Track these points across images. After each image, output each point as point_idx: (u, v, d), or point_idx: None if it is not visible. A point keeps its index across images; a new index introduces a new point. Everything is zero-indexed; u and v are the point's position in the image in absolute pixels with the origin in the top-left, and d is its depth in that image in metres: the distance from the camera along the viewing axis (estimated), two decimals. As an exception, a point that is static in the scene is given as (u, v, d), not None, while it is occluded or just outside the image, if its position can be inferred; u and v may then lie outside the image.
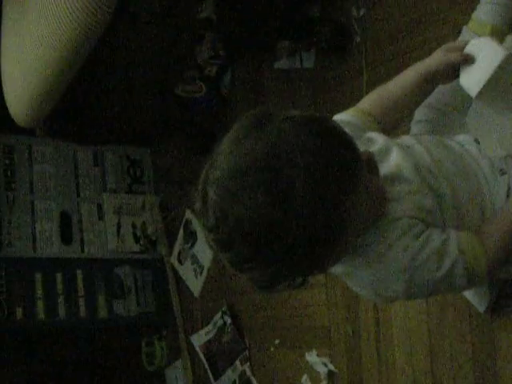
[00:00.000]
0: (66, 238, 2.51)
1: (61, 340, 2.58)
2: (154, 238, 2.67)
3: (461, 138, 1.40)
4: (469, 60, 1.27)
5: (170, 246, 2.67)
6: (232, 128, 1.05)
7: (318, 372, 2.01)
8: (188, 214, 2.55)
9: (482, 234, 1.19)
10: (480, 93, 1.25)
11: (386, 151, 1.24)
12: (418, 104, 1.40)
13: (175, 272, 2.64)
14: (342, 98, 2.02)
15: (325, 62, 2.09)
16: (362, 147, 1.21)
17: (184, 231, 2.58)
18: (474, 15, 1.48)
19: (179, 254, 2.62)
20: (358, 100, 1.91)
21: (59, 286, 2.43)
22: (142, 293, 2.59)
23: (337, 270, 1.22)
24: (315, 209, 0.99)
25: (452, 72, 1.30)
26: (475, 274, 1.17)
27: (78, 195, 2.59)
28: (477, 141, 1.35)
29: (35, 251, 2.46)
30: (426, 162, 1.24)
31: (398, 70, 1.82)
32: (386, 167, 1.21)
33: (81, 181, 2.61)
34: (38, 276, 2.42)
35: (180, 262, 2.61)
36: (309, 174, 0.98)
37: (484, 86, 1.24)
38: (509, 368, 1.55)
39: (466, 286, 1.21)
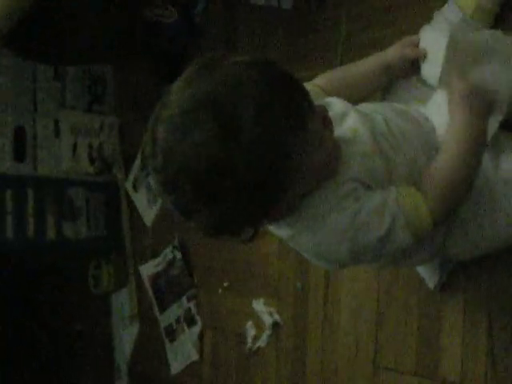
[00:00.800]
0: (19, 155, 2.43)
1: (7, 259, 2.54)
2: (110, 161, 2.60)
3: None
4: (423, 55, 1.34)
5: (126, 171, 2.61)
6: (184, 71, 1.06)
7: (263, 321, 2.02)
8: (147, 143, 2.48)
9: (423, 189, 1.17)
10: (440, 81, 1.28)
11: (343, 114, 1.24)
12: (372, 91, 1.44)
13: (129, 198, 2.60)
14: (316, 47, 1.95)
15: (303, 6, 2.00)
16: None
17: (141, 158, 2.51)
18: (463, -13, 1.45)
19: (135, 180, 2.56)
20: (332, 51, 1.88)
21: (8, 204, 2.36)
22: (92, 216, 2.54)
23: (282, 233, 1.21)
24: (264, 148, 0.99)
25: (408, 66, 1.38)
26: (420, 227, 1.16)
27: (35, 110, 2.49)
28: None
29: (-15, 167, 2.38)
30: (382, 130, 1.23)
31: (378, 28, 1.78)
32: (342, 129, 1.21)
33: (39, 95, 2.50)
34: (-13, 193, 2.35)
35: (135, 189, 2.56)
36: (258, 112, 0.99)
37: (441, 74, 1.27)
38: (451, 345, 1.57)
39: (413, 243, 1.18)
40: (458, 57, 1.26)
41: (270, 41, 2.09)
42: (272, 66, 1.06)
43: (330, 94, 1.36)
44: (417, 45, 1.36)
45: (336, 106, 1.27)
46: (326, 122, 1.13)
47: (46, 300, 2.87)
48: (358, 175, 1.16)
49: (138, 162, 2.55)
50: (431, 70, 1.32)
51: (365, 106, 1.34)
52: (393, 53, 1.39)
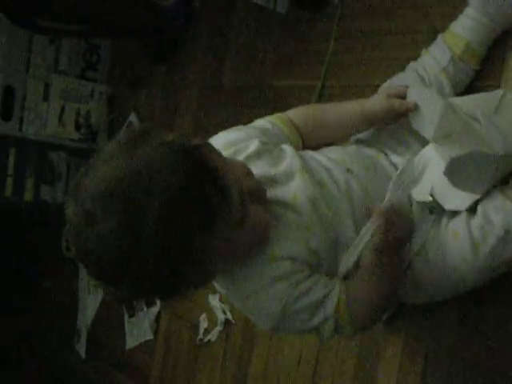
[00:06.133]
0: (6, 114, 2.44)
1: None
2: (95, 130, 2.61)
3: (398, 159, 1.37)
4: (413, 110, 1.25)
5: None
6: (114, 138, 1.08)
7: (216, 316, 2.06)
8: (132, 117, 2.49)
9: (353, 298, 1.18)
10: (434, 135, 1.23)
11: (288, 175, 1.21)
12: (347, 136, 1.39)
13: (109, 169, 2.60)
14: (304, 57, 1.94)
15: (297, 14, 1.99)
16: (270, 162, 1.21)
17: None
18: (452, 26, 1.44)
19: (117, 152, 2.57)
20: (317, 64, 1.87)
21: (-11, 161, 2.40)
22: (72, 182, 2.56)
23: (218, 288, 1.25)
24: (162, 249, 0.98)
25: (393, 117, 1.30)
26: (343, 332, 1.19)
27: (27, 71, 2.49)
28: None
29: (-29, 123, 2.39)
30: (331, 194, 1.20)
31: (366, 49, 1.77)
32: (284, 192, 1.18)
33: (33, 56, 2.49)
34: (-31, 149, 2.36)
35: (115, 160, 2.57)
36: (164, 208, 0.97)
37: (435, 130, 1.22)
38: (387, 375, 1.61)
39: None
40: (451, 121, 1.23)
41: (261, 41, 2.09)
42: (193, 155, 1.02)
43: (302, 132, 1.34)
44: (403, 97, 1.28)
45: (286, 158, 1.24)
46: (257, 197, 1.10)
47: (19, 258, 2.89)
48: (295, 253, 1.13)
49: (121, 136, 2.54)
50: (423, 123, 1.26)
51: (332, 153, 1.31)
52: (379, 103, 1.30)
